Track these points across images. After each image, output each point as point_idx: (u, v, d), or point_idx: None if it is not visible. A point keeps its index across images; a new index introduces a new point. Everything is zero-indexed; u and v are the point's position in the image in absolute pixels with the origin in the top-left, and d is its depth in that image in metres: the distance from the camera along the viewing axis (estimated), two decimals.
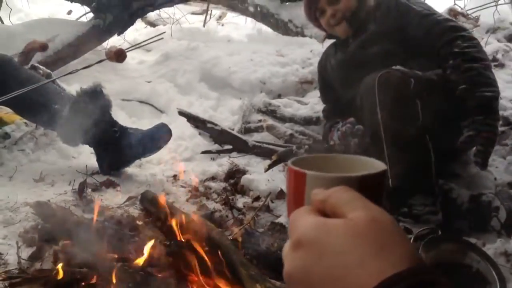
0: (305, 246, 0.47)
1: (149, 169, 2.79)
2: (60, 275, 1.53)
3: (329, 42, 2.77)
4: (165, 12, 5.84)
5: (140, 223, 1.91)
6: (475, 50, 2.04)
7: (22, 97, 2.35)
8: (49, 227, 1.85)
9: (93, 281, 1.53)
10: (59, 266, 1.56)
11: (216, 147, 3.04)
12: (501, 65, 3.39)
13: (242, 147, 2.95)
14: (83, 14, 4.98)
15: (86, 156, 2.88)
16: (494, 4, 4.37)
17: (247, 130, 3.24)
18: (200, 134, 3.07)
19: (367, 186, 0.52)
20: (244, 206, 2.35)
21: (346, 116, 2.36)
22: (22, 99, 2.38)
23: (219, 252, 1.63)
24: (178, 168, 2.73)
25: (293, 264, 0.48)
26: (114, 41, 4.79)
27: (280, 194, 2.40)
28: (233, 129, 3.17)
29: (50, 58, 3.79)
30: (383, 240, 0.45)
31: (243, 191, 2.50)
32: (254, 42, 4.92)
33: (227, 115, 3.55)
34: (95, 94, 2.57)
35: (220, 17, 6.57)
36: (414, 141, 1.90)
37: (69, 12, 5.48)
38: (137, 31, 5.63)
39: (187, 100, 3.80)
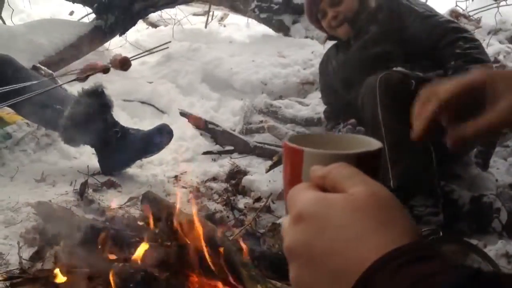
0: (306, 220, 0.47)
1: (150, 170, 2.79)
2: (61, 275, 1.53)
3: (330, 43, 2.77)
4: (167, 13, 5.84)
5: (141, 223, 1.91)
6: (477, 51, 2.04)
7: (21, 95, 2.36)
8: (50, 228, 1.85)
9: (94, 281, 1.53)
10: (60, 266, 1.56)
11: (217, 148, 3.04)
12: (503, 67, 3.39)
13: (243, 148, 2.95)
14: (85, 15, 4.98)
15: (88, 157, 2.88)
16: (496, 5, 4.37)
17: (248, 131, 3.24)
18: (201, 135, 3.08)
19: (365, 163, 0.52)
20: (245, 207, 2.35)
21: (347, 117, 2.36)
22: (24, 100, 2.38)
23: (220, 253, 1.63)
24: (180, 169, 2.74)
25: (294, 238, 0.48)
26: (116, 42, 4.80)
27: (281, 195, 2.40)
28: (234, 130, 3.17)
29: (52, 58, 3.79)
30: (383, 215, 0.45)
31: (244, 192, 2.50)
32: (256, 43, 4.92)
33: (228, 116, 3.55)
34: (96, 95, 2.57)
35: (222, 18, 6.57)
36: (415, 142, 1.90)
37: (71, 13, 5.48)
38: (139, 32, 5.63)
39: (188, 101, 3.80)
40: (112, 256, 1.62)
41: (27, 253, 1.79)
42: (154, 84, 4.09)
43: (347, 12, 2.38)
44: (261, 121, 3.29)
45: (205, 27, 5.89)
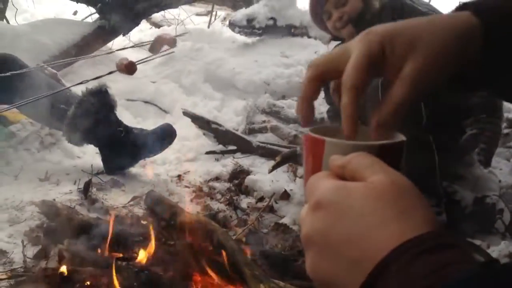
0: (325, 207, 0.47)
1: (154, 169, 2.80)
2: (65, 274, 1.54)
3: (334, 43, 2.78)
4: (170, 13, 5.85)
5: (144, 222, 1.92)
6: None
7: (27, 96, 2.36)
8: (54, 226, 1.86)
9: (98, 280, 1.53)
10: (64, 265, 1.56)
11: (220, 147, 3.04)
12: None
13: (246, 148, 2.96)
14: (88, 14, 4.99)
15: (91, 156, 2.89)
16: None
17: (251, 131, 3.25)
18: (204, 134, 3.08)
19: (386, 155, 0.51)
20: (248, 207, 2.36)
21: None
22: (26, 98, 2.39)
23: (223, 252, 1.63)
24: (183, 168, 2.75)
25: (311, 225, 0.48)
26: (119, 42, 4.81)
27: (284, 195, 2.40)
28: (237, 130, 3.18)
29: (56, 58, 3.80)
30: (404, 203, 0.45)
31: (247, 192, 2.51)
32: (258, 43, 4.93)
33: (231, 116, 3.56)
34: (100, 94, 2.58)
35: (224, 18, 6.58)
36: (418, 142, 1.90)
37: (75, 13, 5.49)
38: (142, 31, 5.64)
39: (191, 100, 3.81)
40: (116, 255, 1.63)
41: (31, 251, 1.80)
42: (157, 84, 4.10)
43: (351, 12, 2.38)
44: (264, 121, 3.30)
45: (208, 27, 5.90)
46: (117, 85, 3.73)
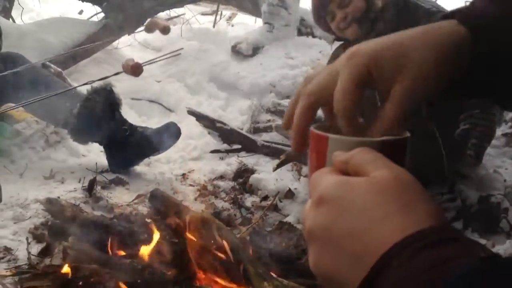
0: (328, 202, 0.47)
1: (158, 168, 2.81)
2: (69, 271, 1.54)
3: (338, 43, 2.77)
4: (175, 12, 5.85)
5: (148, 220, 1.92)
6: None
7: (33, 95, 2.37)
8: (59, 224, 1.86)
9: (102, 277, 1.54)
10: (68, 262, 1.57)
11: (225, 146, 3.04)
12: None
13: (250, 147, 2.96)
14: (94, 14, 5.00)
15: (96, 154, 2.89)
16: None
17: (256, 130, 3.25)
18: (209, 133, 3.08)
19: (389, 151, 0.51)
20: (252, 205, 2.36)
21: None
22: (32, 97, 2.40)
23: (228, 251, 1.63)
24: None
25: (314, 220, 0.48)
26: (125, 41, 4.82)
27: (289, 194, 2.40)
28: (242, 129, 3.18)
29: (61, 57, 3.81)
30: (407, 198, 0.45)
31: (252, 190, 2.50)
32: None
33: (236, 115, 3.56)
34: (105, 93, 2.58)
35: (230, 18, 6.58)
36: (424, 133, 1.89)
37: (80, 12, 5.51)
38: None
39: (196, 99, 3.82)
40: (120, 253, 1.63)
41: (35, 249, 1.80)
42: (162, 83, 4.11)
43: (355, 12, 2.37)
44: (269, 120, 3.30)
45: (213, 26, 5.90)
46: (122, 84, 3.73)
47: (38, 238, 1.88)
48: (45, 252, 1.77)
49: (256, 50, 4.36)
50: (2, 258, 1.77)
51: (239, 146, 3.00)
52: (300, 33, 4.62)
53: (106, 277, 1.53)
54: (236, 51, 4.38)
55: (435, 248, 0.41)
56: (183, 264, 1.61)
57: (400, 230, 0.42)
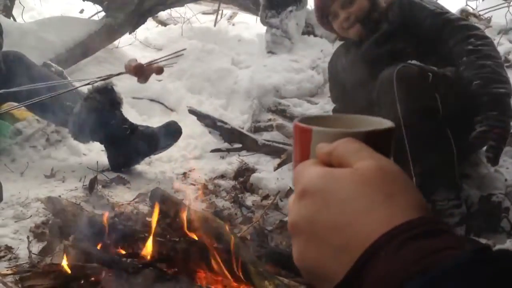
0: (311, 194, 0.46)
1: (159, 167, 2.81)
2: (70, 270, 1.54)
3: (339, 42, 2.77)
4: (176, 11, 5.85)
5: (149, 219, 1.92)
6: (488, 48, 2.03)
7: (34, 94, 2.37)
8: (59, 222, 1.86)
9: (103, 276, 1.54)
10: (69, 261, 1.57)
11: (225, 145, 3.04)
12: None
13: (251, 146, 2.96)
14: (95, 13, 5.00)
15: (97, 153, 2.90)
16: (506, 5, 4.34)
17: (257, 129, 3.25)
18: (210, 132, 3.08)
19: (374, 142, 0.50)
20: (253, 204, 2.36)
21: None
22: (34, 96, 2.40)
23: (228, 249, 1.63)
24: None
25: (297, 213, 0.47)
26: (126, 40, 4.82)
27: (289, 193, 2.40)
28: (243, 128, 3.18)
29: (62, 56, 3.82)
30: (392, 188, 0.44)
31: (252, 190, 2.50)
32: (264, 42, 4.91)
33: (237, 114, 3.55)
34: (106, 92, 2.58)
35: (231, 17, 6.57)
36: (436, 135, 1.89)
37: (81, 11, 5.51)
38: (148, 30, 5.64)
39: (197, 99, 3.81)
40: (121, 252, 1.63)
41: (36, 247, 1.80)
42: (163, 82, 4.10)
43: (358, 12, 2.36)
44: (270, 120, 3.30)
45: (214, 25, 5.89)
46: (123, 83, 3.73)
47: (39, 237, 1.89)
48: (46, 251, 1.77)
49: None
50: (3, 256, 1.77)
51: (240, 145, 3.00)
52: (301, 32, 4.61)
53: (106, 276, 1.53)
54: None
55: (423, 239, 0.40)
56: (183, 263, 1.61)
57: (386, 221, 0.41)
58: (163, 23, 6.07)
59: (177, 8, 5.57)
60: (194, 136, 3.20)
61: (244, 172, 2.67)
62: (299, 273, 1.57)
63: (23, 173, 2.55)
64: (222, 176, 2.67)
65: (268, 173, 2.57)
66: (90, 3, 4.84)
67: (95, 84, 2.57)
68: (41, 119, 2.88)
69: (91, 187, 2.30)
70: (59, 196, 2.17)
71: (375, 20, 2.37)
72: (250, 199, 2.41)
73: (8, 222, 2.00)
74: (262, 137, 3.06)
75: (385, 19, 2.36)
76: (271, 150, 2.89)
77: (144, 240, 1.67)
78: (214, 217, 1.84)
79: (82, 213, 1.89)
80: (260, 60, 4.23)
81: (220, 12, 6.08)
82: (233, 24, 6.37)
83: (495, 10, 4.40)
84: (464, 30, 2.11)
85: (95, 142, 2.73)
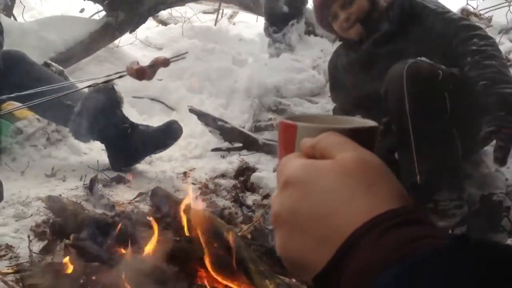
0: (293, 185, 0.46)
1: (159, 166, 2.81)
2: (71, 269, 1.54)
3: (338, 42, 2.76)
4: (177, 10, 5.85)
5: (150, 218, 1.92)
6: (492, 48, 2.02)
7: (35, 93, 2.37)
8: (60, 221, 1.87)
9: (104, 275, 1.54)
10: (70, 260, 1.57)
11: (226, 144, 3.04)
12: None
13: (252, 145, 2.96)
14: (95, 12, 5.00)
15: (97, 152, 2.90)
16: (507, 4, 4.34)
17: (257, 129, 3.24)
18: (210, 132, 3.08)
19: (357, 140, 0.50)
20: (253, 204, 2.36)
21: (357, 115, 2.35)
22: (35, 95, 2.40)
23: (229, 248, 1.63)
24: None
25: (280, 204, 0.47)
26: (126, 39, 4.82)
27: None
28: (243, 127, 3.18)
29: (63, 55, 3.82)
30: (373, 179, 0.44)
31: (253, 189, 2.50)
32: (265, 41, 4.91)
33: (237, 113, 3.55)
34: (106, 91, 2.58)
35: (231, 16, 6.57)
36: (443, 134, 1.88)
37: (82, 10, 5.51)
38: (149, 29, 5.65)
39: (198, 98, 3.81)
40: (122, 251, 1.63)
41: (37, 246, 1.81)
42: (163, 81, 4.10)
43: (358, 13, 2.36)
44: (270, 119, 3.29)
45: (215, 25, 5.90)
46: (124, 82, 3.73)
47: (39, 236, 1.89)
48: (46, 250, 1.78)
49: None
50: (4, 255, 1.77)
51: (241, 145, 3.00)
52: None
53: (107, 275, 1.53)
54: None
55: (404, 228, 0.40)
56: (184, 262, 1.61)
57: (367, 211, 0.42)
58: (164, 23, 6.08)
59: (177, 8, 5.58)
60: (195, 135, 3.20)
61: (244, 171, 2.67)
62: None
63: (23, 172, 2.55)
64: (223, 175, 2.67)
65: (269, 172, 2.57)
66: (91, 3, 4.83)
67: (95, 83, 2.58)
68: (41, 118, 2.88)
69: (91, 186, 2.30)
70: (60, 195, 2.16)
71: (375, 20, 2.36)
72: (250, 198, 2.41)
73: (8, 221, 2.00)
74: (263, 137, 3.06)
75: (386, 19, 2.35)
76: (271, 149, 2.89)
77: (145, 239, 1.67)
78: (214, 217, 1.84)
79: (83, 212, 1.90)
80: (261, 60, 4.24)
81: (220, 11, 6.09)
82: (234, 24, 6.38)
83: (495, 9, 4.40)
84: (466, 30, 2.10)
85: (95, 141, 2.73)
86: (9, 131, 2.80)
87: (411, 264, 0.36)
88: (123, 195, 2.35)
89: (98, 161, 2.63)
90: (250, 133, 3.08)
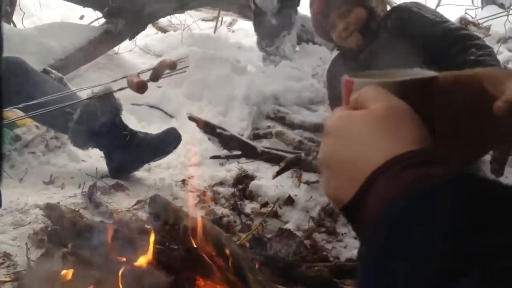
0: (331, 133, 0.53)
1: (158, 173, 2.80)
2: (69, 277, 1.54)
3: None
4: (176, 18, 5.86)
5: (148, 226, 1.92)
6: (490, 59, 2.03)
7: (34, 100, 2.37)
8: (58, 229, 1.86)
9: (102, 284, 1.53)
10: (68, 268, 1.56)
11: (225, 152, 3.04)
12: None
13: (251, 153, 2.95)
14: (95, 19, 5.01)
15: (96, 160, 2.89)
16: (505, 14, 4.36)
17: (256, 136, 3.24)
18: (209, 139, 3.08)
19: (408, 92, 0.54)
20: (252, 212, 2.35)
21: None
22: (39, 104, 2.40)
23: (227, 257, 1.63)
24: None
25: (322, 150, 0.54)
26: (126, 46, 4.83)
27: (288, 200, 2.40)
28: (242, 135, 3.18)
29: (62, 62, 3.82)
30: (398, 124, 0.49)
31: (252, 197, 2.50)
32: None
33: (236, 121, 3.55)
34: (105, 98, 2.59)
35: (230, 24, 6.59)
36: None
37: (81, 17, 5.52)
38: (148, 36, 5.66)
39: (197, 105, 3.81)
40: (120, 259, 1.63)
41: (35, 254, 1.80)
42: (162, 88, 4.11)
43: (356, 22, 2.37)
44: (269, 127, 3.30)
45: (214, 32, 5.91)
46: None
47: (37, 244, 1.88)
48: (44, 258, 1.77)
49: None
50: (2, 263, 1.77)
51: (239, 152, 3.00)
52: (300, 39, 4.62)
53: (105, 283, 1.53)
54: None
55: (421, 167, 0.44)
56: (182, 271, 1.61)
57: (388, 152, 0.46)
58: (163, 30, 6.09)
59: (177, 15, 5.59)
60: (194, 142, 3.19)
61: (243, 179, 2.66)
62: (298, 281, 1.58)
63: (22, 179, 2.55)
64: (221, 183, 2.67)
65: (267, 181, 2.57)
66: (91, 10, 4.85)
67: (95, 91, 2.58)
68: (40, 125, 2.88)
69: (90, 194, 2.30)
70: (58, 202, 2.16)
71: (373, 29, 2.37)
72: (249, 207, 2.41)
73: (6, 229, 1.99)
74: (261, 144, 3.06)
75: (384, 28, 2.37)
76: (270, 157, 2.88)
77: (143, 247, 1.67)
78: (213, 225, 1.84)
79: (81, 220, 1.89)
80: (260, 67, 4.25)
81: (220, 19, 6.10)
82: (233, 31, 6.39)
83: (494, 18, 4.42)
84: (464, 40, 2.11)
85: (94, 148, 2.73)
86: (7, 138, 2.80)
87: (416, 197, 0.41)
88: (121, 203, 2.34)
89: (96, 168, 2.63)
90: (248, 140, 3.07)
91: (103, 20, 4.63)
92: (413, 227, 0.39)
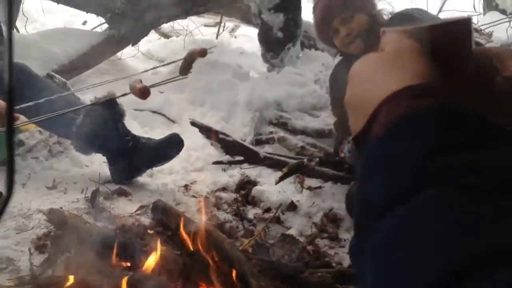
0: (353, 76, 0.57)
1: (161, 179, 2.80)
2: (71, 282, 1.54)
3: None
4: (179, 23, 5.88)
5: (151, 232, 1.92)
6: None
7: (37, 105, 2.38)
8: (61, 235, 1.86)
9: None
10: (71, 274, 1.57)
11: (227, 158, 3.04)
12: None
13: (253, 159, 2.96)
14: (98, 24, 5.03)
15: (99, 165, 2.90)
16: (507, 20, 4.37)
17: (259, 142, 3.25)
18: (211, 144, 3.08)
19: (440, 37, 0.55)
20: (254, 217, 2.35)
21: None
22: (38, 107, 2.41)
23: (230, 263, 1.63)
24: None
25: (347, 92, 0.58)
26: (128, 52, 4.84)
27: (291, 206, 2.40)
28: (244, 141, 3.18)
29: (65, 67, 3.83)
30: (403, 62, 0.53)
31: (254, 202, 2.50)
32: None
33: (238, 126, 3.55)
34: (108, 104, 2.59)
35: (233, 30, 6.61)
36: None
37: (84, 23, 5.55)
38: (151, 42, 5.68)
39: (199, 111, 3.82)
40: (123, 264, 1.63)
41: (37, 259, 1.80)
42: (165, 93, 4.12)
43: (359, 28, 2.38)
44: (271, 132, 3.30)
45: (216, 38, 5.93)
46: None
47: (40, 249, 1.88)
48: (47, 263, 1.77)
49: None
50: (5, 268, 1.77)
51: (242, 158, 3.00)
52: (303, 45, 4.64)
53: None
54: None
55: (416, 98, 0.47)
56: (185, 276, 1.61)
57: (393, 88, 0.49)
58: (166, 35, 6.11)
59: (179, 21, 5.60)
60: (196, 148, 3.20)
61: (245, 185, 2.67)
62: (301, 287, 1.57)
63: (25, 184, 2.55)
64: (224, 189, 2.67)
65: (270, 186, 2.57)
66: (93, 15, 4.87)
67: (97, 96, 2.58)
68: (43, 130, 2.89)
69: (93, 199, 2.30)
70: (61, 207, 2.16)
71: (376, 35, 2.38)
72: (251, 212, 2.41)
73: (9, 234, 1.99)
74: (264, 150, 3.06)
75: None
76: (272, 163, 2.89)
77: (146, 253, 1.67)
78: (215, 230, 1.84)
79: (84, 225, 1.90)
80: (262, 73, 4.26)
81: (222, 24, 6.12)
82: (235, 37, 6.41)
83: (496, 25, 4.43)
84: None
85: (97, 154, 2.73)
86: None
87: (403, 120, 0.46)
88: (124, 208, 2.34)
89: (99, 173, 2.63)
90: (251, 146, 3.08)
91: (106, 26, 4.65)
92: (391, 150, 0.45)
